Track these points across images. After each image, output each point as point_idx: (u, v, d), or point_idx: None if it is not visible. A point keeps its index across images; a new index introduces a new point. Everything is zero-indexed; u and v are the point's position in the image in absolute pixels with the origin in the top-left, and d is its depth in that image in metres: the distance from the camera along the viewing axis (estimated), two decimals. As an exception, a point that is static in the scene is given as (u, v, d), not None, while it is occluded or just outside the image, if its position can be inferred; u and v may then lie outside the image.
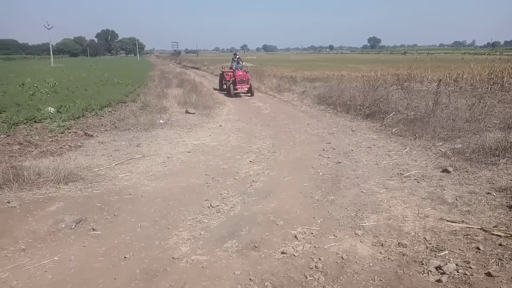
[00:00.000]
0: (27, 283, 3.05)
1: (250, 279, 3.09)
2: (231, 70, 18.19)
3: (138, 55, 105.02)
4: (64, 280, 3.10)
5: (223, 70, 19.38)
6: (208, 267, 3.29)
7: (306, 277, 3.10)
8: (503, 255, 3.28)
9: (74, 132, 8.62)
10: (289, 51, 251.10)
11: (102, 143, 7.76)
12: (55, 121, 9.32)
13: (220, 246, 3.66)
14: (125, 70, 32.90)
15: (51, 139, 7.89)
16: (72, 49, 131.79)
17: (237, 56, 18.85)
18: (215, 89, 19.38)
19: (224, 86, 18.34)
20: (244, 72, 17.53)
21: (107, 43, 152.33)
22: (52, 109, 10.43)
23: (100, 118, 10.36)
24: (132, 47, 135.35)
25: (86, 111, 10.87)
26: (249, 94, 16.99)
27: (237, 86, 16.78)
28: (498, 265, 3.16)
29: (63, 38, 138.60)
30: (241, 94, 17.10)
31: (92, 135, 8.38)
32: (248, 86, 16.94)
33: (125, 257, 3.45)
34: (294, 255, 3.45)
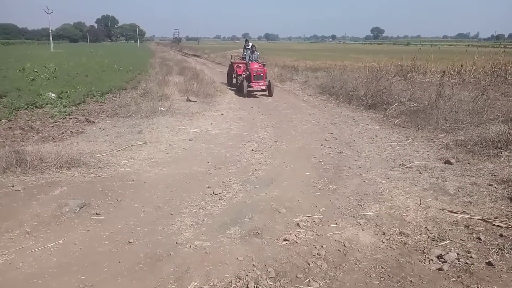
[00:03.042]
0: (32, 265, 3.08)
1: (253, 265, 3.12)
2: (243, 62, 14.69)
3: (138, 41, 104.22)
4: (69, 263, 3.12)
5: (232, 61, 16.15)
6: (212, 252, 3.32)
7: (309, 264, 3.13)
8: (503, 245, 3.31)
9: (76, 118, 8.60)
10: (291, 40, 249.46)
11: (103, 129, 7.75)
12: (56, 107, 9.29)
13: (223, 233, 3.68)
14: (126, 57, 32.67)
15: (52, 125, 7.87)
16: (72, 34, 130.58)
17: (251, 44, 14.91)
18: (223, 83, 16.43)
19: (234, 81, 15.33)
20: (261, 65, 13.97)
21: (107, 29, 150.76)
22: (53, 95, 10.38)
23: (101, 105, 10.32)
24: (133, 33, 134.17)
25: (87, 97, 10.83)
26: (267, 94, 13.57)
27: (253, 83, 13.27)
28: (498, 255, 3.18)
29: (63, 23, 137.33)
30: (256, 93, 13.75)
31: (93, 121, 8.36)
32: (266, 83, 13.45)
33: (129, 241, 3.48)
34: (296, 242, 3.48)
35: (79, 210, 4.06)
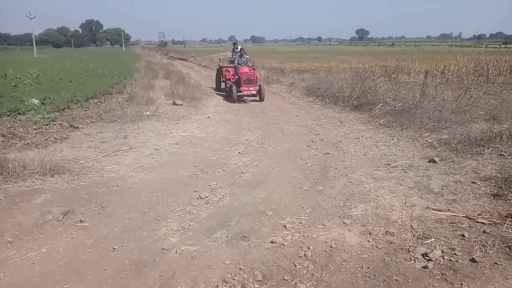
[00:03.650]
0: (14, 275, 3.01)
1: (240, 268, 3.11)
2: (232, 66, 14.21)
3: (123, 46, 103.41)
4: (52, 272, 3.06)
5: (221, 64, 15.38)
6: (198, 257, 3.29)
7: (295, 266, 3.13)
8: (486, 242, 3.36)
9: (59, 124, 8.46)
10: (277, 43, 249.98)
11: (88, 135, 7.65)
12: (40, 113, 9.13)
13: (209, 237, 3.66)
14: (111, 61, 32.36)
15: (35, 131, 7.73)
16: (56, 39, 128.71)
17: (239, 47, 14.55)
18: (212, 88, 15.84)
19: (223, 86, 14.62)
20: (251, 69, 13.52)
21: (91, 33, 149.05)
22: (36, 101, 10.21)
23: (86, 110, 10.19)
24: (118, 37, 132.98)
25: (71, 102, 10.67)
26: (258, 99, 13.00)
27: (242, 88, 12.64)
28: (482, 251, 3.23)
29: (46, 28, 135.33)
30: (246, 98, 13.16)
31: (77, 127, 8.24)
32: (256, 88, 12.83)
33: (114, 248, 3.42)
34: (283, 244, 3.48)
35: (62, 217, 3.99)
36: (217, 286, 2.89)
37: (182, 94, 12.38)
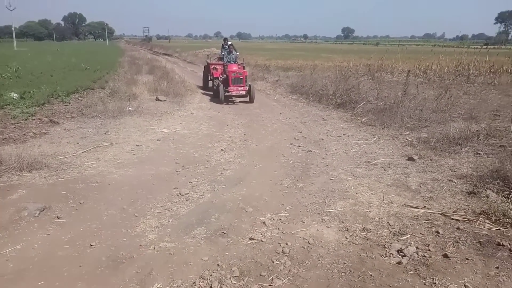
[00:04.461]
0: (-14, 273, 2.95)
1: (218, 264, 3.12)
2: (221, 63, 13.20)
3: (107, 40, 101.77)
4: (27, 269, 3.02)
5: (208, 61, 14.54)
6: (176, 253, 3.29)
7: (273, 262, 3.16)
8: (459, 238, 3.45)
9: (39, 118, 8.30)
10: (264, 40, 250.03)
11: (68, 130, 7.52)
12: (18, 107, 8.93)
13: (188, 233, 3.65)
14: (93, 56, 31.85)
15: (14, 126, 7.56)
16: (37, 32, 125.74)
17: (229, 43, 13.60)
18: (198, 87, 15.15)
19: (210, 84, 13.71)
20: (240, 67, 12.61)
21: (74, 27, 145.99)
22: (15, 95, 9.98)
23: (67, 105, 10.01)
24: (101, 31, 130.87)
25: (52, 97, 10.46)
26: (248, 100, 12.05)
27: (231, 88, 11.72)
28: (454, 247, 3.31)
29: (27, 20, 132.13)
30: (235, 99, 12.32)
31: (57, 122, 8.10)
32: (246, 88, 11.84)
33: (90, 244, 3.39)
34: (262, 241, 3.50)
35: (39, 214, 3.92)
36: (194, 282, 2.89)
37: (165, 90, 12.27)
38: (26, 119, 8.10)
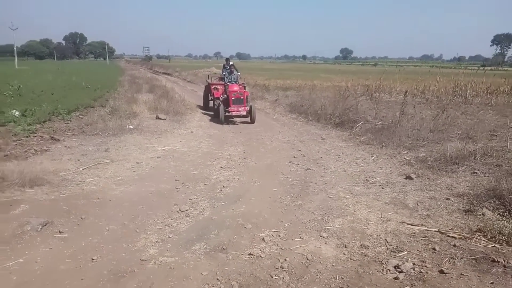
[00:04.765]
0: (-12, 286, 2.98)
1: (217, 279, 3.16)
2: (222, 83, 13.18)
3: (107, 59, 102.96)
4: (29, 282, 3.05)
5: (209, 81, 14.53)
6: (176, 268, 3.33)
7: (272, 277, 3.20)
8: (455, 254, 3.50)
9: (40, 136, 8.39)
10: (263, 60, 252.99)
11: (69, 147, 7.61)
12: (20, 125, 9.03)
13: (188, 249, 3.70)
14: (94, 74, 32.20)
15: (15, 143, 7.64)
16: (38, 51, 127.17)
17: (231, 63, 13.45)
18: (198, 106, 15.09)
19: (211, 104, 13.65)
20: (241, 87, 12.50)
21: (75, 46, 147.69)
22: (16, 112, 10.09)
23: (67, 123, 10.11)
24: (102, 51, 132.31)
25: (53, 115, 10.57)
26: (249, 120, 11.87)
27: (231, 108, 11.57)
28: (450, 263, 3.37)
29: (29, 40, 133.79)
30: (236, 120, 12.16)
31: (58, 140, 8.18)
32: (247, 108, 11.69)
33: (92, 259, 3.43)
34: (261, 256, 3.54)
35: (41, 228, 3.97)
36: (194, 297, 2.93)
37: (165, 109, 12.42)
38: (27, 136, 8.19)
